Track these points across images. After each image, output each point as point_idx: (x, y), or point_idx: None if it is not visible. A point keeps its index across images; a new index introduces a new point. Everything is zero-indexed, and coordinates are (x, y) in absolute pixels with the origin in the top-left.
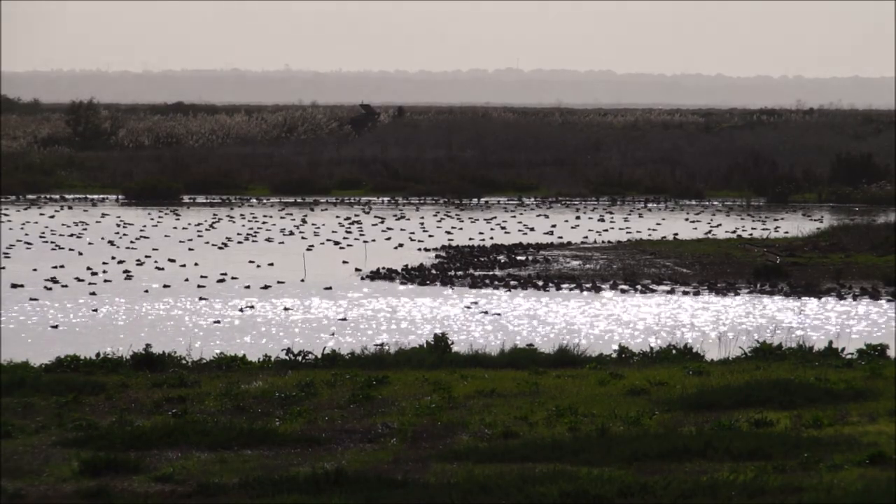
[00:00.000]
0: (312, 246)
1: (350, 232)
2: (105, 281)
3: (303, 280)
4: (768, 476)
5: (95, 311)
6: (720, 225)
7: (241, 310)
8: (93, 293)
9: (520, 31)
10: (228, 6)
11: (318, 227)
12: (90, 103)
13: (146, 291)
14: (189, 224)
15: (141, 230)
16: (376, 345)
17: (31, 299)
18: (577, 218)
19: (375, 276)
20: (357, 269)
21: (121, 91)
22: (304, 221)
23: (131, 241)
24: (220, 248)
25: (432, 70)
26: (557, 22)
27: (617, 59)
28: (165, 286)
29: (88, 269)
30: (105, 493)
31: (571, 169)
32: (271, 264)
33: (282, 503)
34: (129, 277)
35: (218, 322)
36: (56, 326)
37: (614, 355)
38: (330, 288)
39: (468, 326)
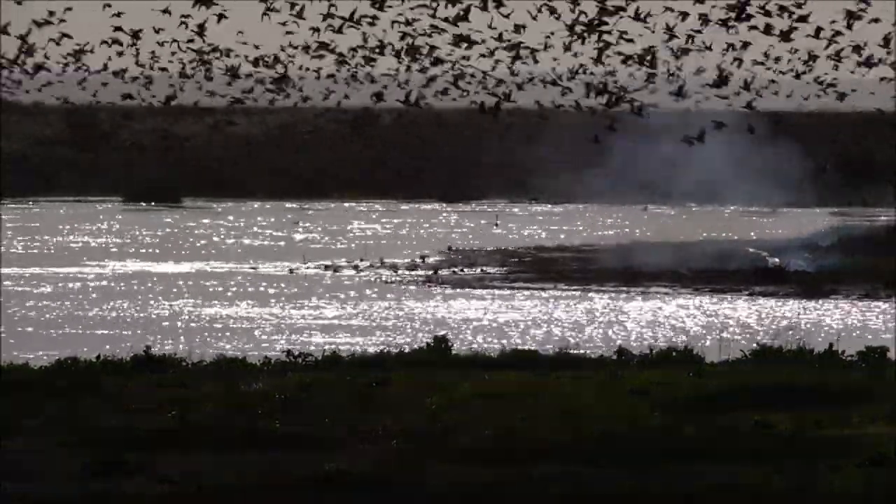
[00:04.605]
0: None
1: None
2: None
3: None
4: (769, 478)
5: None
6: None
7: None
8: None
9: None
10: (228, 6)
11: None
12: (90, 104)
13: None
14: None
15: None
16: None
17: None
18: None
19: None
20: None
21: (121, 91)
22: None
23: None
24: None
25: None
26: (557, 22)
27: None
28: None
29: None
30: (105, 495)
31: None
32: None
33: (282, 503)
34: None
35: (218, 322)
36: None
37: (614, 357)
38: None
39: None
